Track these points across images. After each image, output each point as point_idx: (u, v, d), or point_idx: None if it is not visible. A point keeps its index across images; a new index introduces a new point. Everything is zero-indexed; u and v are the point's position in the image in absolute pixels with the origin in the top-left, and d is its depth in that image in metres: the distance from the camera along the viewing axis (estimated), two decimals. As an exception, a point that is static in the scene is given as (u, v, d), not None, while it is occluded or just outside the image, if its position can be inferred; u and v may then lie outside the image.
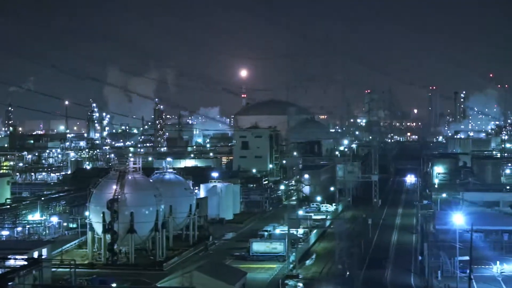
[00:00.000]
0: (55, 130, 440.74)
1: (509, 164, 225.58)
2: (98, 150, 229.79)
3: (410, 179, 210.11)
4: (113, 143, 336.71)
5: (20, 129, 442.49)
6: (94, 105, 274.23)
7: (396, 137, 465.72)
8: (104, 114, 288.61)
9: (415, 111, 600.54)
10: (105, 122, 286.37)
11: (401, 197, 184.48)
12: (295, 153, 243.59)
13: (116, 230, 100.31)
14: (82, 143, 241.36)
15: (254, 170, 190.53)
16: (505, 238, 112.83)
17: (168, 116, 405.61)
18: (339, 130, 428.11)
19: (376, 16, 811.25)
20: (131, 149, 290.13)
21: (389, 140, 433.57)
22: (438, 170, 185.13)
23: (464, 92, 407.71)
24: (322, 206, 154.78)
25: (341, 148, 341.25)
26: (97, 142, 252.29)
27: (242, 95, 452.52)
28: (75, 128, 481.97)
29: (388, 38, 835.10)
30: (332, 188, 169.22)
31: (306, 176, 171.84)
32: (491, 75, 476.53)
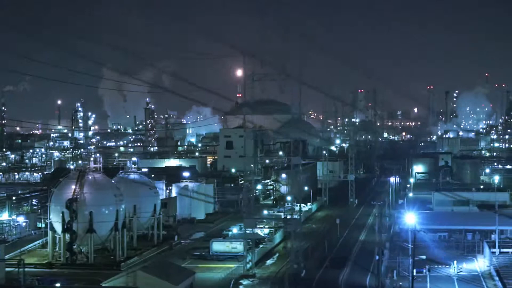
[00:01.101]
0: (53, 130, 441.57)
1: (496, 164, 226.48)
2: (82, 150, 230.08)
3: (394, 179, 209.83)
4: (105, 142, 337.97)
5: (18, 128, 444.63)
6: (78, 104, 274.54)
7: (391, 136, 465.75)
8: (89, 113, 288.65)
9: (416, 110, 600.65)
10: (90, 122, 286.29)
11: (380, 197, 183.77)
12: (280, 153, 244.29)
13: (75, 230, 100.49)
14: (66, 143, 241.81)
15: (233, 170, 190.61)
16: (468, 238, 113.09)
17: (161, 116, 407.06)
18: (333, 130, 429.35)
19: (375, 16, 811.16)
20: (122, 148, 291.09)
21: (384, 139, 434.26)
22: (418, 169, 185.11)
23: (456, 91, 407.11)
24: (297, 205, 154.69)
25: (333, 147, 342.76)
26: (81, 141, 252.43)
27: (238, 95, 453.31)
28: (73, 127, 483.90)
29: (388, 38, 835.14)
30: (306, 188, 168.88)
31: (283, 175, 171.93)
32: (486, 74, 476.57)
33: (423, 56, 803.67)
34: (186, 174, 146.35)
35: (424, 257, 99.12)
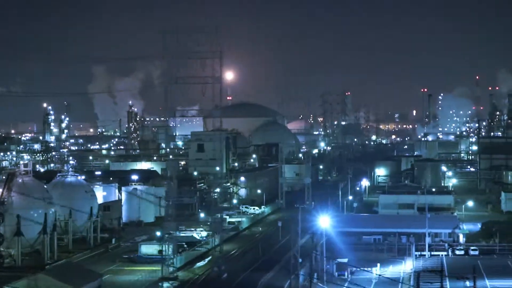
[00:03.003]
0: (31, 134, 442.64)
1: (469, 167, 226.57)
2: (54, 153, 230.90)
3: (365, 182, 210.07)
4: (89, 145, 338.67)
5: (13, 131, 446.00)
6: (49, 107, 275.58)
7: (380, 139, 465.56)
8: (62, 116, 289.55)
9: (414, 112, 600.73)
10: (63, 125, 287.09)
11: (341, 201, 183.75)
12: (254, 156, 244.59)
13: (2, 233, 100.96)
14: (37, 146, 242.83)
15: (195, 173, 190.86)
16: (403, 241, 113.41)
17: (147, 118, 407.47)
18: (322, 132, 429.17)
19: (374, 16, 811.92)
20: (104, 152, 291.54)
21: (372, 143, 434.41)
22: (380, 172, 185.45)
23: (441, 94, 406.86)
24: (250, 208, 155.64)
25: (316, 150, 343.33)
26: (52, 144, 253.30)
27: (228, 97, 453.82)
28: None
29: (387, 37, 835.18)
30: (259, 191, 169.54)
31: (242, 178, 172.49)
32: (477, 77, 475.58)
33: (422, 57, 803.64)
34: (134, 177, 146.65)
35: (346, 260, 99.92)
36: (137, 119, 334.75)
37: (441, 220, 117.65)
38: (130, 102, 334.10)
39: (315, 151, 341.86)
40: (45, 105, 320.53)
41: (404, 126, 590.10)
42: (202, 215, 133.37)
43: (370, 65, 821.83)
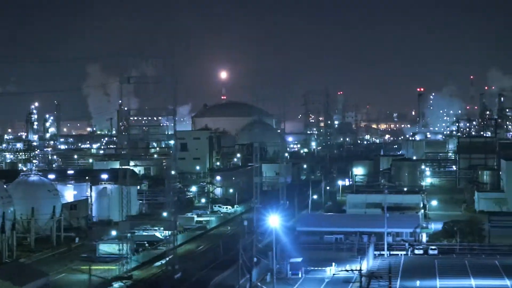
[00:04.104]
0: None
1: (454, 167, 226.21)
2: (38, 152, 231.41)
3: (341, 182, 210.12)
4: (80, 144, 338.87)
5: (10, 130, 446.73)
6: (33, 107, 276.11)
7: (373, 138, 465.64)
8: (47, 115, 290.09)
9: (413, 112, 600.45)
10: (48, 124, 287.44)
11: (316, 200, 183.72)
12: (238, 155, 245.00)
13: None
14: (19, 145, 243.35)
15: (173, 172, 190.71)
16: (365, 240, 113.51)
17: (139, 118, 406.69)
18: (316, 132, 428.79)
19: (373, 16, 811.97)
20: (94, 151, 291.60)
21: (366, 142, 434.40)
22: (357, 172, 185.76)
23: (433, 94, 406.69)
24: (223, 208, 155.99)
25: (306, 149, 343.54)
26: (35, 143, 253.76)
27: (222, 97, 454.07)
28: (64, 129, 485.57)
29: (387, 36, 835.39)
30: (231, 190, 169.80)
31: (218, 177, 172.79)
32: (471, 77, 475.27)
33: (422, 57, 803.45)
34: (104, 176, 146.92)
35: (300, 259, 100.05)
36: (127, 118, 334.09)
37: (403, 220, 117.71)
38: (120, 101, 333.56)
39: (306, 150, 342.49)
40: (36, 104, 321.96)
41: (403, 125, 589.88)
42: (165, 214, 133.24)
43: (370, 64, 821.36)
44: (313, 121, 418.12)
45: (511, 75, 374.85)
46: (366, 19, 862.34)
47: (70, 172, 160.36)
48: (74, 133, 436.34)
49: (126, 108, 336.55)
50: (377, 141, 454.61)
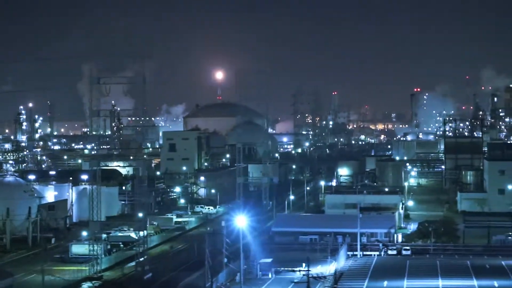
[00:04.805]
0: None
1: (442, 167, 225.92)
2: (27, 152, 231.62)
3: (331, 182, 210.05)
4: (73, 145, 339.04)
5: (7, 130, 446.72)
6: (21, 107, 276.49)
7: (369, 139, 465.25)
8: (36, 116, 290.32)
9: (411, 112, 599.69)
10: (37, 125, 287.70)
11: (302, 201, 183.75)
12: (228, 155, 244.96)
13: None
14: (7, 146, 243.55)
15: (158, 173, 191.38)
16: (339, 241, 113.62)
17: (133, 118, 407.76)
18: (310, 132, 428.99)
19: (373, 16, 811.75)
20: (86, 151, 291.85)
21: (361, 142, 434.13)
22: (342, 172, 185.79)
23: (427, 94, 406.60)
24: (205, 208, 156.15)
25: (299, 150, 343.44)
26: (23, 144, 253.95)
27: (218, 97, 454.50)
28: (62, 130, 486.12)
29: (388, 36, 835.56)
30: (213, 191, 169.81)
31: (202, 178, 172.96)
32: (467, 77, 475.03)
33: (422, 57, 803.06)
34: (84, 177, 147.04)
35: (270, 260, 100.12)
36: (119, 118, 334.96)
37: (379, 220, 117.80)
38: (113, 102, 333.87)
39: (299, 150, 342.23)
40: (30, 104, 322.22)
41: (401, 126, 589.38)
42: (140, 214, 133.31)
43: (369, 64, 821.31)
44: (310, 121, 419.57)
45: (505, 75, 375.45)
46: (363, 19, 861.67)
47: (52, 172, 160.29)
48: (71, 134, 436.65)
49: (118, 109, 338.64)
50: (372, 141, 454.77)
